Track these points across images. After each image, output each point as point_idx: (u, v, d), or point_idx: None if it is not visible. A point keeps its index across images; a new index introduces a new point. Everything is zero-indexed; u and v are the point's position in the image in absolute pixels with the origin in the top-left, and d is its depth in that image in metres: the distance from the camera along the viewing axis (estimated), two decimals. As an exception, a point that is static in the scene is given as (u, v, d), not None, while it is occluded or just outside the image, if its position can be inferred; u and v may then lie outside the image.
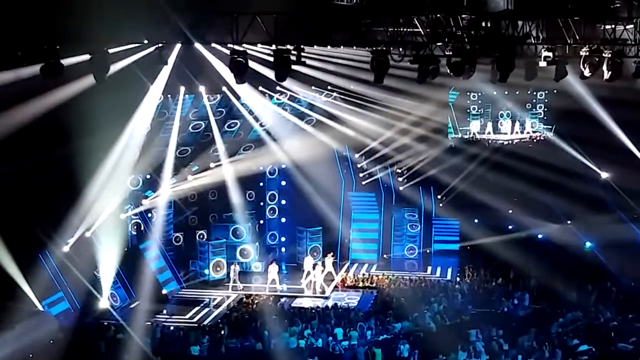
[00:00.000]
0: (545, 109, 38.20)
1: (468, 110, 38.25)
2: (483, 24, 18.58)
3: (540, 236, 35.18)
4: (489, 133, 38.24)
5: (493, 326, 22.39)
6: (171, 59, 20.49)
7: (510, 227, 35.84)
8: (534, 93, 37.96)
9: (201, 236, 32.98)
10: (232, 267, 30.59)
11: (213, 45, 20.55)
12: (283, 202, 36.13)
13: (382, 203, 36.06)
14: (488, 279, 29.41)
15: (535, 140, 37.78)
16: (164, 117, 28.38)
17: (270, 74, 20.07)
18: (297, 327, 23.45)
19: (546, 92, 37.63)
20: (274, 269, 30.21)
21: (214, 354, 21.64)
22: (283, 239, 36.08)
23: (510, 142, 37.49)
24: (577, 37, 18.73)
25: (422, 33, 18.69)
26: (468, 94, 37.72)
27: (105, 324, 24.48)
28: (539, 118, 38.36)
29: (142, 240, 30.12)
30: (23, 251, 23.21)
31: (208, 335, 23.04)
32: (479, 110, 38.41)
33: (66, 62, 17.24)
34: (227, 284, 30.56)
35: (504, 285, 28.20)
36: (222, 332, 23.40)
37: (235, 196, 32.36)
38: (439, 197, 36.90)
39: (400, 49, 19.02)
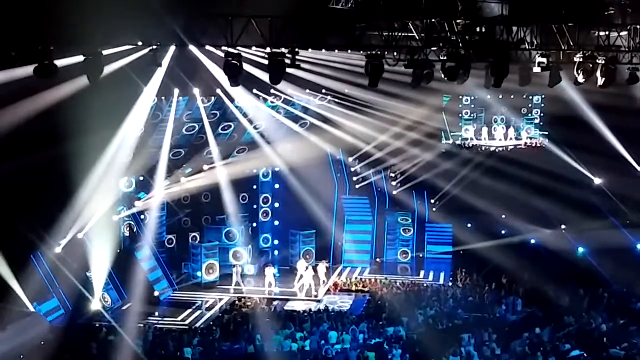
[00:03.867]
0: (542, 115, 38.21)
1: (461, 115, 38.25)
2: (478, 30, 18.67)
3: (533, 241, 35.24)
4: (484, 139, 38.23)
5: (485, 331, 22.40)
6: (165, 61, 20.43)
7: (503, 232, 35.92)
8: (530, 98, 37.95)
9: (194, 239, 32.91)
10: (235, 269, 30.56)
11: (208, 47, 20.51)
12: (276, 205, 36.08)
13: (375, 207, 36.08)
14: (481, 283, 29.40)
15: (529, 147, 37.80)
16: (157, 119, 28.33)
17: (264, 77, 20.09)
18: (289, 330, 23.43)
19: (543, 96, 37.59)
20: (270, 271, 30.18)
21: (206, 357, 21.57)
22: (276, 242, 36.01)
23: (504, 148, 37.50)
24: (572, 44, 18.84)
25: (417, 38, 18.74)
26: (461, 98, 37.69)
27: (97, 325, 24.37)
28: (535, 124, 38.39)
29: (134, 242, 30.03)
30: (15, 252, 23.12)
31: (200, 338, 22.99)
32: (472, 116, 38.41)
33: (60, 63, 17.22)
34: (221, 286, 30.52)
35: (496, 290, 28.17)
36: (214, 335, 23.36)
37: (229, 199, 32.31)
38: (433, 201, 36.95)
39: (395, 54, 19.04)
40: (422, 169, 35.90)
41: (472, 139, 37.90)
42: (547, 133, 37.76)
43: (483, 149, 37.59)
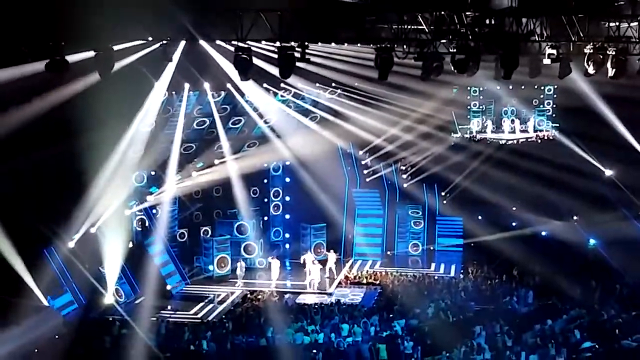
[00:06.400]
0: (554, 106, 38.10)
1: (469, 107, 38.18)
2: (487, 21, 18.62)
3: (544, 233, 35.19)
4: (492, 132, 38.16)
5: (497, 323, 22.41)
6: (176, 56, 20.56)
7: (514, 224, 35.88)
8: (542, 88, 37.87)
9: (205, 232, 33.05)
10: (239, 264, 30.68)
11: (217, 42, 20.60)
12: (287, 198, 36.18)
13: (386, 200, 36.10)
14: (492, 275, 29.42)
15: (540, 139, 37.73)
16: (168, 113, 28.47)
17: (274, 71, 20.14)
18: (301, 323, 23.52)
19: (555, 86, 37.51)
20: (275, 264, 30.29)
21: (218, 350, 21.66)
22: (287, 235, 36.14)
23: (515, 140, 37.44)
24: (581, 35, 18.72)
25: (426, 30, 18.70)
26: (469, 88, 37.62)
27: (110, 319, 24.53)
28: (547, 115, 38.27)
29: (146, 236, 30.18)
30: (28, 247, 23.28)
31: (212, 331, 23.11)
32: (481, 107, 38.34)
33: (71, 58, 17.34)
34: (233, 280, 30.64)
35: (507, 282, 28.20)
36: (227, 328, 23.47)
37: (240, 193, 32.40)
38: (443, 194, 36.94)
39: (405, 46, 19.02)
40: (432, 162, 35.91)
41: (481, 132, 37.86)
42: (557, 124, 37.69)
43: (493, 141, 37.54)
